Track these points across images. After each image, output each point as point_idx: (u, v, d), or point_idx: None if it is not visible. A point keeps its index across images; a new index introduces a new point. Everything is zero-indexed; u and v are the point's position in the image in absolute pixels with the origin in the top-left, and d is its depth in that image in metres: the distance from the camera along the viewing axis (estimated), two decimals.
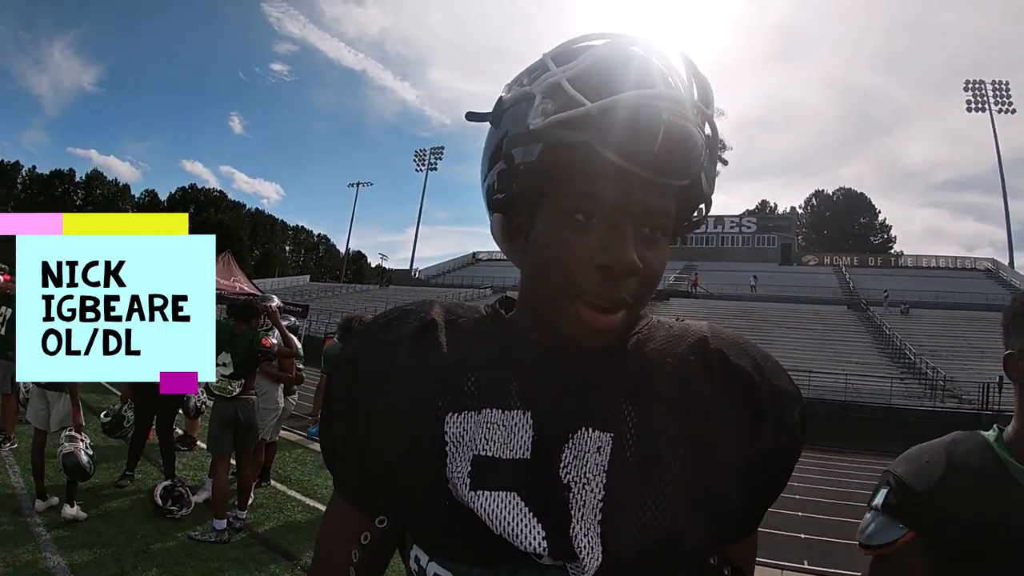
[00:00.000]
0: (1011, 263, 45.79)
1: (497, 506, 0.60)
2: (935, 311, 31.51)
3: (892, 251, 67.08)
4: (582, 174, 0.59)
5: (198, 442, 6.75)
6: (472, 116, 0.69)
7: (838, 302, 35.27)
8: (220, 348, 4.61)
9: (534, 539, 0.59)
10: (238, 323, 4.80)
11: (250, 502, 4.98)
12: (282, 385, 5.58)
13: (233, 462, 4.69)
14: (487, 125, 0.68)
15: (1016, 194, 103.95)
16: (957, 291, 35.37)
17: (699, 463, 0.62)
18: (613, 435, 0.61)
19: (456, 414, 0.64)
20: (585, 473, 0.60)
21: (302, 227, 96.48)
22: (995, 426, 1.12)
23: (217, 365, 4.59)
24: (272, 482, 6.03)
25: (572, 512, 0.59)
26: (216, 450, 4.55)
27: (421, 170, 66.52)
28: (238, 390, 4.63)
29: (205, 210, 77.19)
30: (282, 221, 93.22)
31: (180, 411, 5.61)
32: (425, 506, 0.64)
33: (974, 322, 27.87)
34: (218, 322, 4.86)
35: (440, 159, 67.82)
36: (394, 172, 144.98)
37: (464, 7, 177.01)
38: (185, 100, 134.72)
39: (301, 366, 6.14)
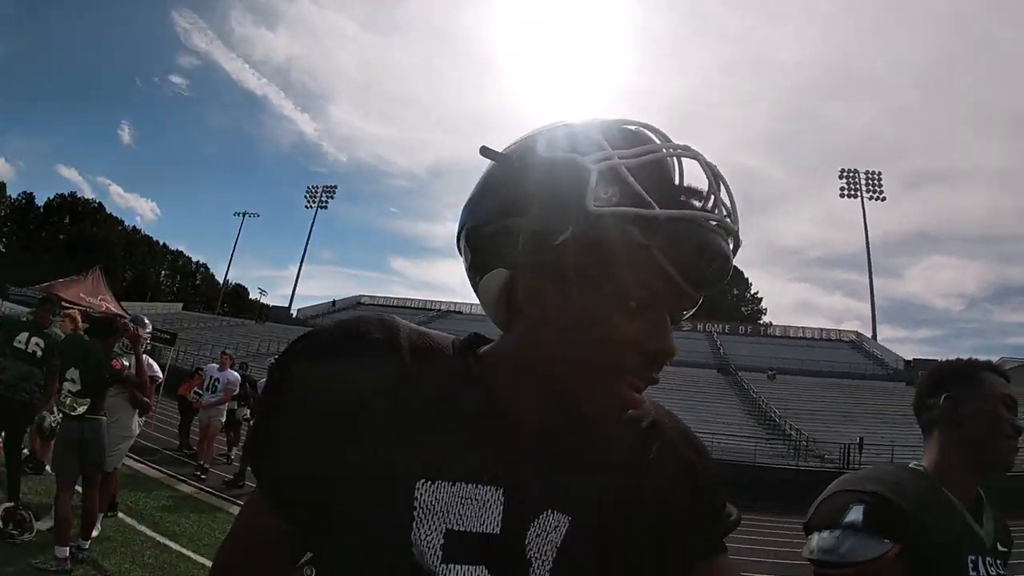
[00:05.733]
0: (874, 335, 50.53)
1: None
2: (800, 377, 33.66)
3: (761, 321, 71.89)
4: (639, 271, 0.59)
5: (47, 466, 6.35)
6: (487, 152, 0.66)
7: (709, 367, 36.73)
8: (72, 362, 4.45)
9: None
10: (93, 340, 4.64)
11: (96, 533, 4.79)
12: (137, 412, 5.37)
13: (79, 489, 4.47)
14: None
15: (881, 272, 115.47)
16: (823, 360, 38.16)
17: (653, 552, 0.68)
18: (571, 518, 0.66)
19: (429, 483, 0.62)
20: (545, 551, 0.64)
21: (181, 252, 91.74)
22: (912, 463, 1.28)
23: (66, 380, 4.42)
24: (120, 514, 5.79)
25: None
26: (59, 473, 4.34)
27: (311, 207, 65.86)
28: (83, 410, 4.40)
29: (82, 221, 72.07)
30: (163, 244, 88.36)
31: (29, 430, 5.27)
32: (382, 560, 0.62)
33: (838, 388, 30.21)
34: (76, 336, 4.68)
35: (332, 198, 67.46)
36: (282, 205, 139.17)
37: (375, 50, 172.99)
38: (75, 99, 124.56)
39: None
